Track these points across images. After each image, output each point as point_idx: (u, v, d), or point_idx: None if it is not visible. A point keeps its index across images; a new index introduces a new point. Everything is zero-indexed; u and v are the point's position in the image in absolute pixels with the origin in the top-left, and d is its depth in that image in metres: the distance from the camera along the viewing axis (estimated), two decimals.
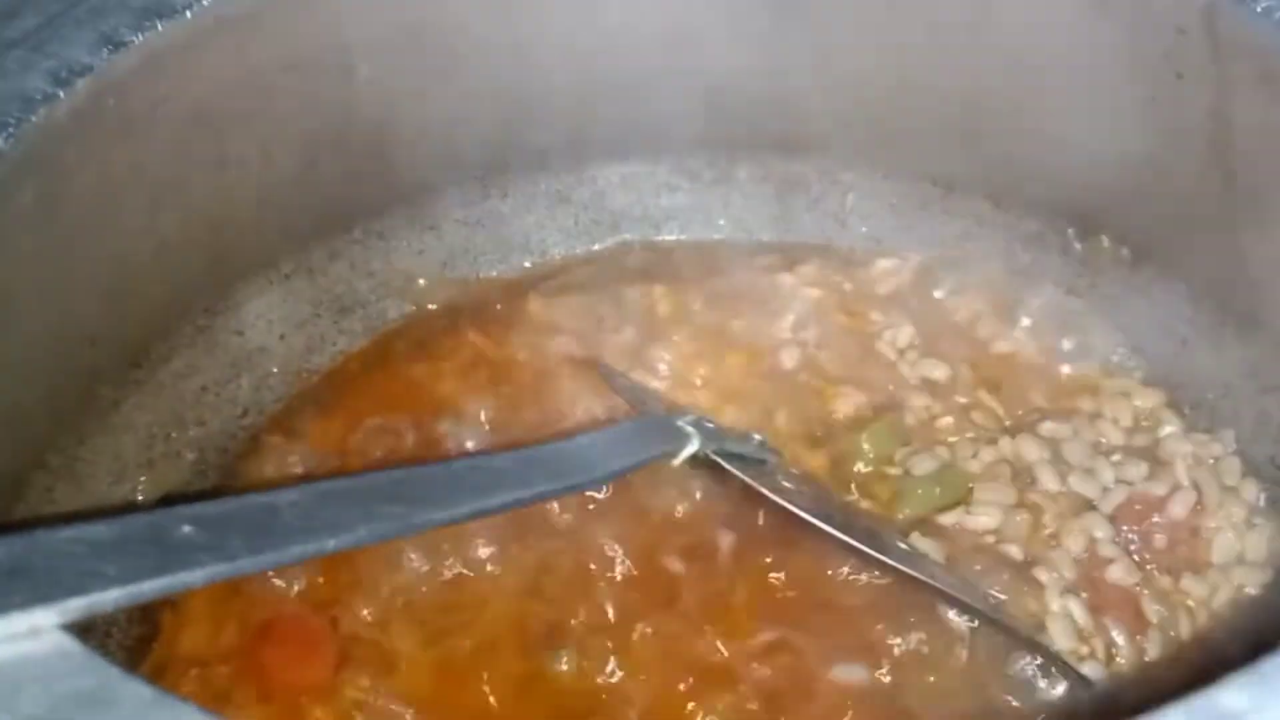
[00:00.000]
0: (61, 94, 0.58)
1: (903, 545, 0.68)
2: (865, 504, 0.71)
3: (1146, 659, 0.65)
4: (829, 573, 0.66)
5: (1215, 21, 0.65)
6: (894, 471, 0.72)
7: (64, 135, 0.59)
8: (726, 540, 0.68)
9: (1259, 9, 0.63)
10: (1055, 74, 0.74)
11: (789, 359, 0.78)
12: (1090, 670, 0.63)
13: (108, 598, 0.37)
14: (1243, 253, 0.71)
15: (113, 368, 0.69)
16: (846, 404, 0.76)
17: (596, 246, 0.86)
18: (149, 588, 0.38)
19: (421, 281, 0.82)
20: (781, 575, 0.67)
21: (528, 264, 0.85)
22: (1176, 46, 0.67)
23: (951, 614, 0.65)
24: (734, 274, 0.82)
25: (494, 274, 0.84)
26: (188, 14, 0.62)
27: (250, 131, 0.68)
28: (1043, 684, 0.62)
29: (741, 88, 0.81)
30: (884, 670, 0.63)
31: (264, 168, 0.71)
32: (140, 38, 0.61)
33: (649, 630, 0.65)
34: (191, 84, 0.64)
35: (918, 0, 0.75)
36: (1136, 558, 0.68)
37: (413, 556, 0.67)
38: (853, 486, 0.72)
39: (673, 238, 0.87)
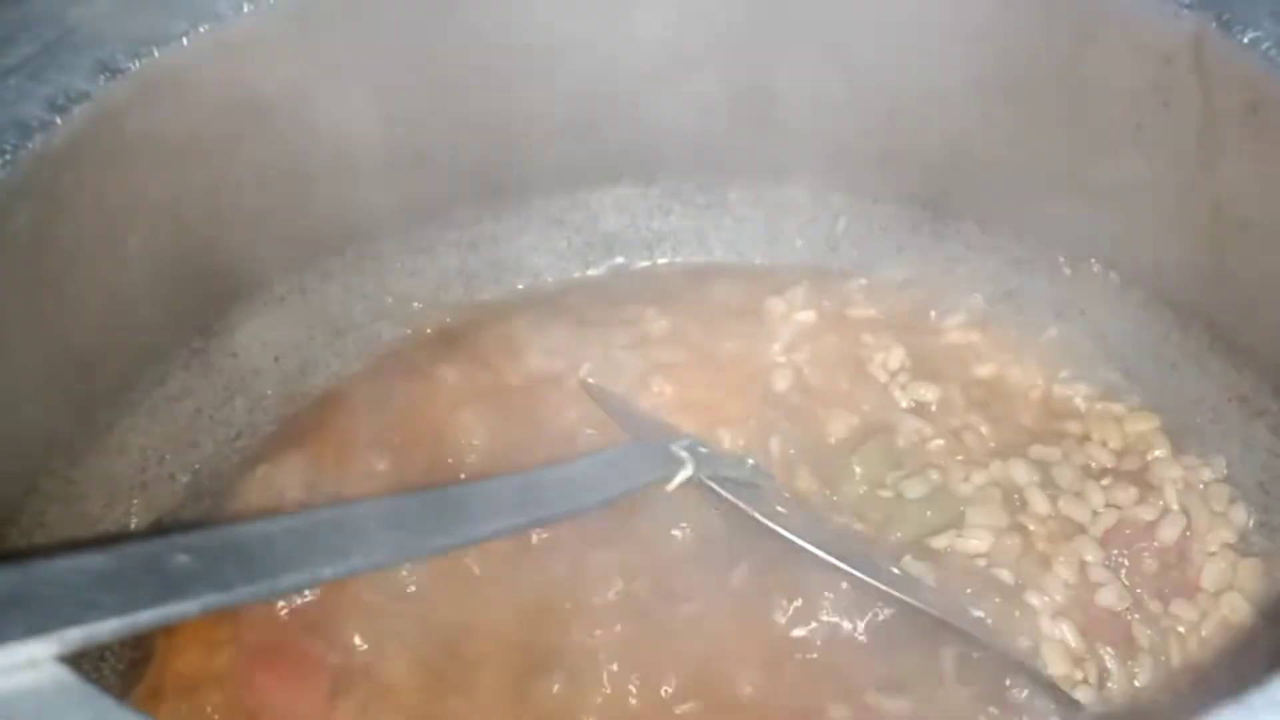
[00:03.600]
0: (58, 121, 0.58)
1: (895, 570, 0.68)
2: (858, 527, 0.72)
3: (1137, 684, 0.66)
4: (827, 602, 0.66)
5: (1203, 51, 0.66)
6: (886, 494, 0.73)
7: (60, 162, 0.59)
8: (722, 566, 0.68)
9: (1245, 40, 0.63)
10: (1044, 101, 0.74)
11: (781, 382, 0.78)
12: (1083, 696, 0.64)
13: (105, 628, 0.37)
14: (1231, 278, 0.71)
15: (106, 391, 0.70)
16: (838, 427, 0.76)
17: (590, 270, 0.87)
18: (146, 618, 0.38)
19: (415, 304, 0.83)
20: (783, 603, 0.67)
21: (521, 286, 0.86)
22: (1164, 76, 0.68)
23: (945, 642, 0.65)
24: (726, 297, 0.83)
25: (487, 297, 0.85)
26: (184, 41, 0.63)
27: (246, 156, 0.69)
28: (1035, 711, 0.63)
29: (733, 112, 0.82)
30: (883, 700, 0.64)
31: (259, 191, 0.71)
32: (137, 65, 0.61)
33: (643, 657, 0.65)
34: (188, 110, 0.64)
35: (907, 27, 0.75)
36: (1126, 582, 0.68)
37: (407, 580, 0.67)
38: (845, 510, 0.72)
39: (665, 260, 0.87)
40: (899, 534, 0.71)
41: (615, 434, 0.73)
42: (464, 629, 0.66)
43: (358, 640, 0.66)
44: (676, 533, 0.69)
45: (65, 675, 0.36)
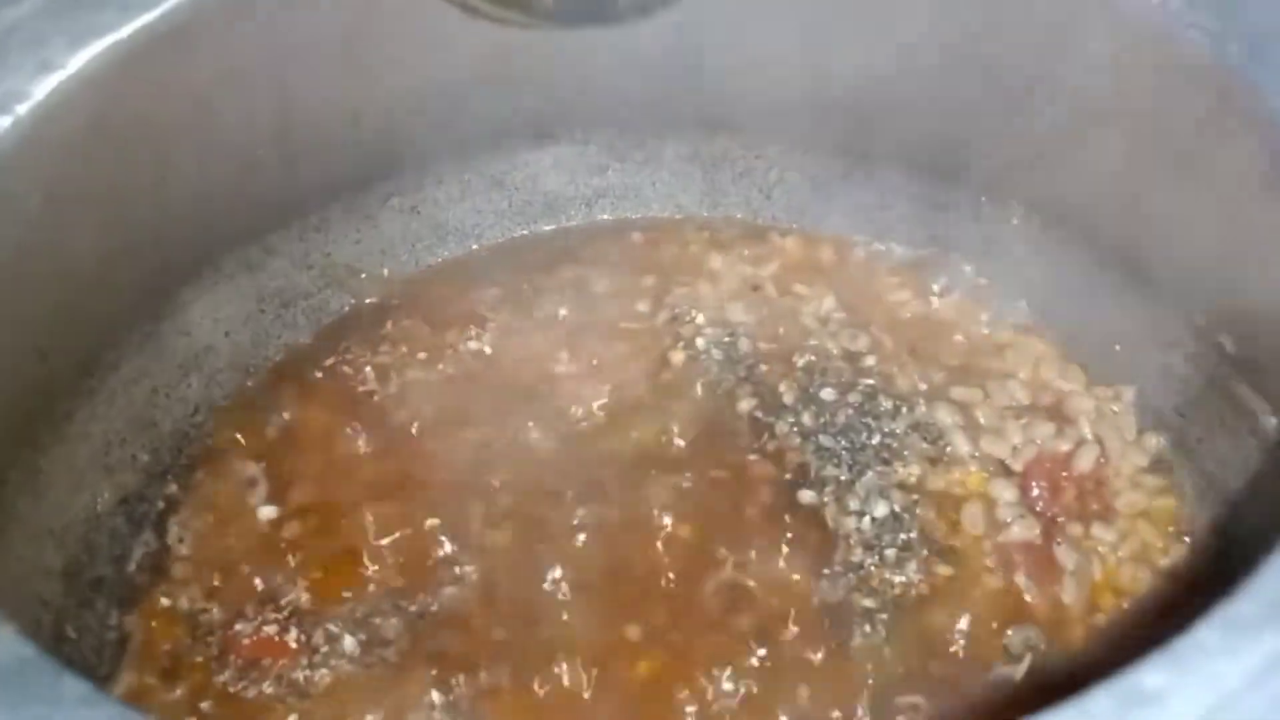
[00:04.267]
0: (6, 123, 0.58)
1: None
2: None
3: (1065, 600, 0.71)
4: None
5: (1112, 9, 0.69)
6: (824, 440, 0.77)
7: (10, 164, 0.59)
8: None
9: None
10: (960, 53, 0.77)
11: (722, 333, 0.82)
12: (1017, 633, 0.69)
13: None
14: (1147, 217, 0.75)
15: (65, 379, 0.70)
16: (774, 374, 0.80)
17: (531, 229, 0.88)
18: None
19: (361, 271, 0.84)
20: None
21: (466, 249, 0.87)
22: (1075, 25, 0.71)
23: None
24: (666, 252, 0.85)
25: (433, 260, 0.86)
26: (121, 32, 0.63)
27: (189, 141, 0.69)
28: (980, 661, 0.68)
29: (664, 68, 0.83)
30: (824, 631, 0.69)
31: (202, 173, 0.71)
32: (77, 61, 0.61)
33: None
34: (130, 101, 0.64)
35: None
36: (1048, 511, 0.73)
37: None
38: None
39: (606, 217, 0.89)
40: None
41: (570, 397, 0.76)
42: None
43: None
44: None
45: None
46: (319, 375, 0.81)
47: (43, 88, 0.60)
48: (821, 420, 0.77)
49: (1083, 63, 0.72)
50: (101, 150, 0.64)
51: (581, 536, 0.73)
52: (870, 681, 0.68)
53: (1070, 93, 0.74)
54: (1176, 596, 0.68)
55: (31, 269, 0.64)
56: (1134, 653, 0.42)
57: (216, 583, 0.72)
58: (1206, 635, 0.41)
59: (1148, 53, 0.69)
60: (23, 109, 0.59)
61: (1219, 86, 0.65)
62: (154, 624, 0.71)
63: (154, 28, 0.64)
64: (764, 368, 0.80)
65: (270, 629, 0.69)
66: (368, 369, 0.81)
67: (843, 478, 0.75)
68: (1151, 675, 0.41)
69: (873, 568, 0.72)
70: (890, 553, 0.72)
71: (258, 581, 0.71)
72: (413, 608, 0.70)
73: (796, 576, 0.71)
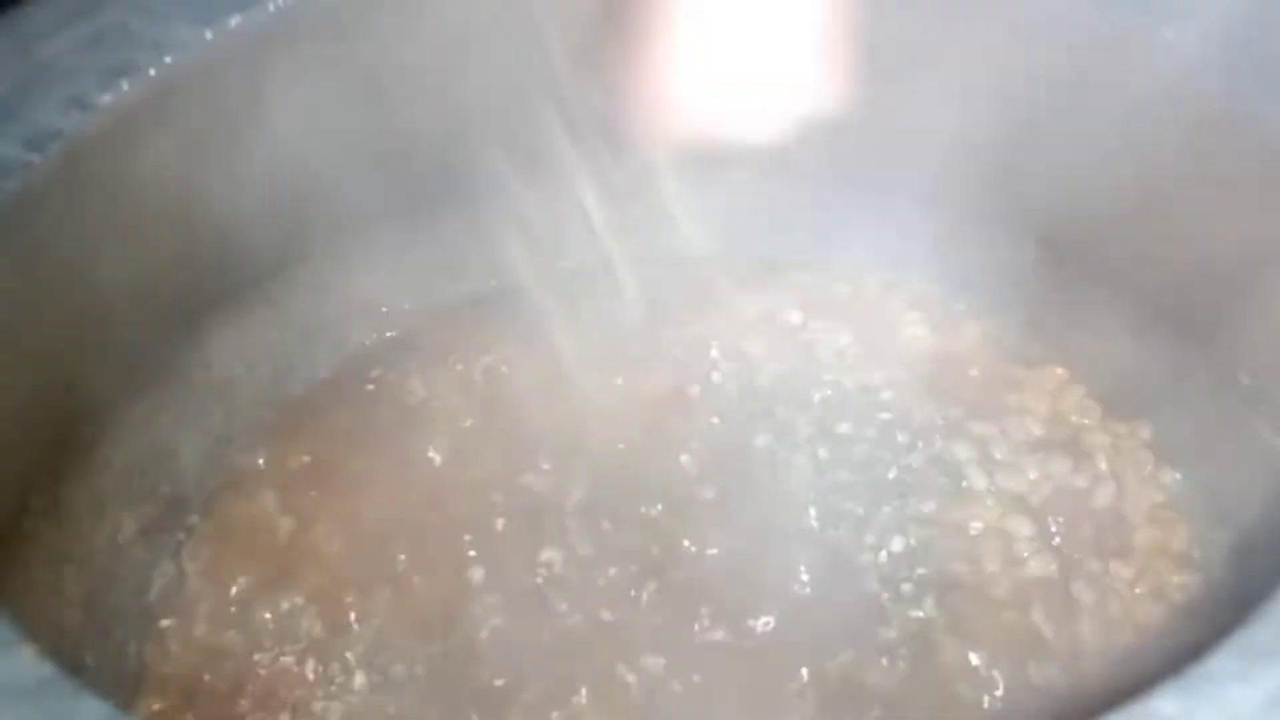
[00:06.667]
0: (35, 160, 0.60)
1: None
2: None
3: (1083, 637, 0.71)
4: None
5: (1125, 46, 0.70)
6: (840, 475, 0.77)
7: (39, 201, 0.60)
8: None
9: (1169, 36, 0.67)
10: (979, 90, 0.77)
11: (733, 369, 0.82)
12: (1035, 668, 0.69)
13: None
14: (1163, 255, 0.75)
15: (87, 409, 0.71)
16: (789, 409, 0.80)
17: (552, 264, 0.88)
18: None
19: (382, 304, 0.85)
20: None
21: (487, 283, 0.87)
22: (1089, 66, 0.72)
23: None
24: (680, 288, 0.85)
25: (454, 294, 0.87)
26: (151, 71, 0.64)
27: (217, 178, 0.70)
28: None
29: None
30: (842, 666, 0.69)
31: (227, 208, 0.72)
32: (108, 98, 0.62)
33: None
34: (158, 139, 0.65)
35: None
36: (1065, 549, 0.73)
37: None
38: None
39: (623, 251, 0.89)
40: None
41: (589, 429, 0.77)
42: None
43: None
44: None
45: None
46: (340, 408, 0.81)
47: (73, 124, 0.61)
48: (838, 455, 0.78)
49: (1097, 108, 0.73)
50: (129, 188, 0.65)
51: (596, 570, 0.73)
52: (886, 717, 0.67)
53: (1082, 137, 0.75)
54: (1194, 632, 0.68)
55: (58, 304, 0.65)
56: (1151, 688, 0.42)
57: (235, 613, 0.72)
58: (1220, 663, 0.41)
59: (1163, 91, 0.70)
60: (54, 146, 0.61)
61: (1231, 122, 0.66)
62: (172, 653, 0.71)
63: (185, 66, 0.65)
64: (780, 402, 0.80)
65: (288, 659, 0.70)
66: (389, 402, 0.81)
67: (859, 512, 0.75)
68: (1165, 703, 0.41)
69: (888, 603, 0.71)
70: (907, 587, 0.72)
71: (276, 613, 0.72)
72: (432, 640, 0.70)
73: (811, 610, 0.71)
